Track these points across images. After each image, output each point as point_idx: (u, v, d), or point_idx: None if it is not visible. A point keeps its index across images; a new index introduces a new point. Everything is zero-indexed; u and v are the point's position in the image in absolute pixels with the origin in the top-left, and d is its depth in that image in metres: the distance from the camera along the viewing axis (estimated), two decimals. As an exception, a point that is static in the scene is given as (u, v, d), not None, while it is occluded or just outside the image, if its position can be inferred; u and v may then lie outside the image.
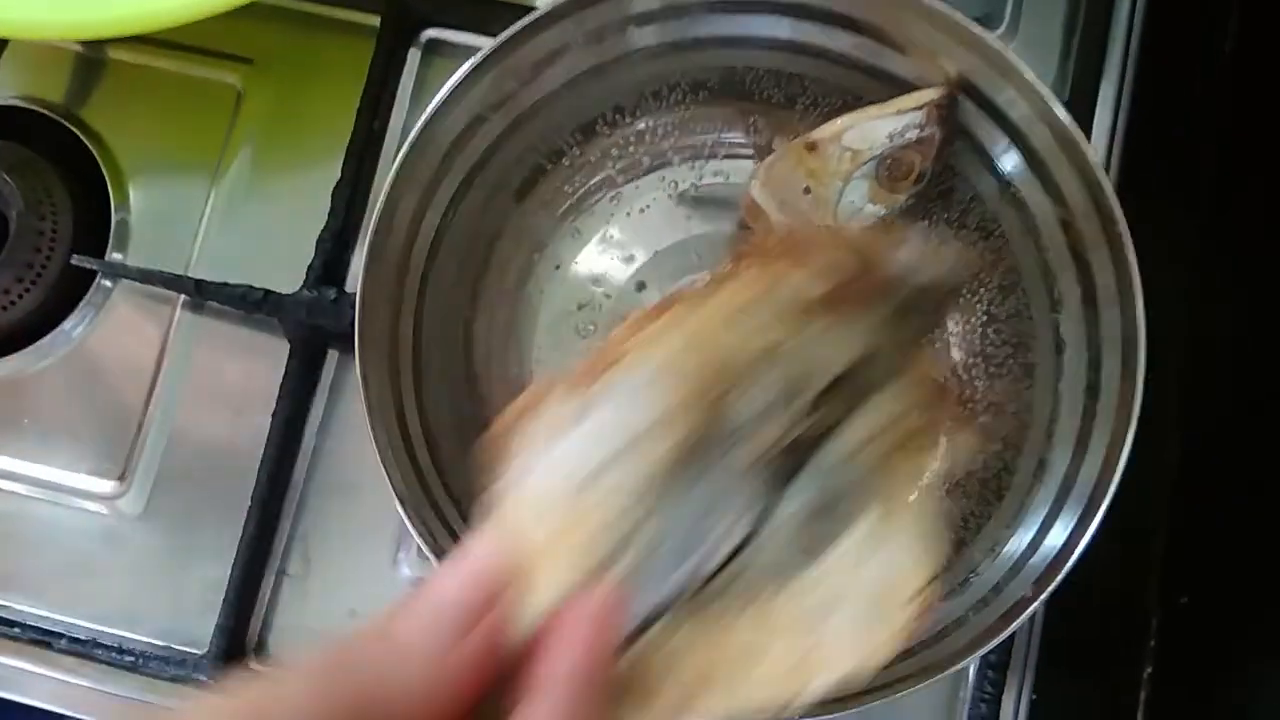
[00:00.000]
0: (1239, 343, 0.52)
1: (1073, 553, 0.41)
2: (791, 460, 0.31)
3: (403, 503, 0.42)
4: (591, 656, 0.27)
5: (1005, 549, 0.45)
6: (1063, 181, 0.45)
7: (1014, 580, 0.43)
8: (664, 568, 0.29)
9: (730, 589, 0.30)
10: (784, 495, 0.31)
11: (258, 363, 0.55)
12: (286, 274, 0.54)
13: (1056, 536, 0.43)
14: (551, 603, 0.27)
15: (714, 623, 0.29)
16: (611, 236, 0.52)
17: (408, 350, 0.47)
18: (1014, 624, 0.40)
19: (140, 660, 0.52)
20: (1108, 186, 0.43)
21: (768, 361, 0.31)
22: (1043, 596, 0.40)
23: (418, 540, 0.42)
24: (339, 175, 0.55)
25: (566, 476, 0.28)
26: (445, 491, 0.46)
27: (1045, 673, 0.50)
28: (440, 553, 0.42)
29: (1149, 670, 0.51)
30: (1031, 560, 0.43)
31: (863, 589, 0.30)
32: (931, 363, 0.38)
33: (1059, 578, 0.40)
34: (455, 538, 0.44)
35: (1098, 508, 0.41)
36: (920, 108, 0.46)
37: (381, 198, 0.45)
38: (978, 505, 0.47)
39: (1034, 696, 0.50)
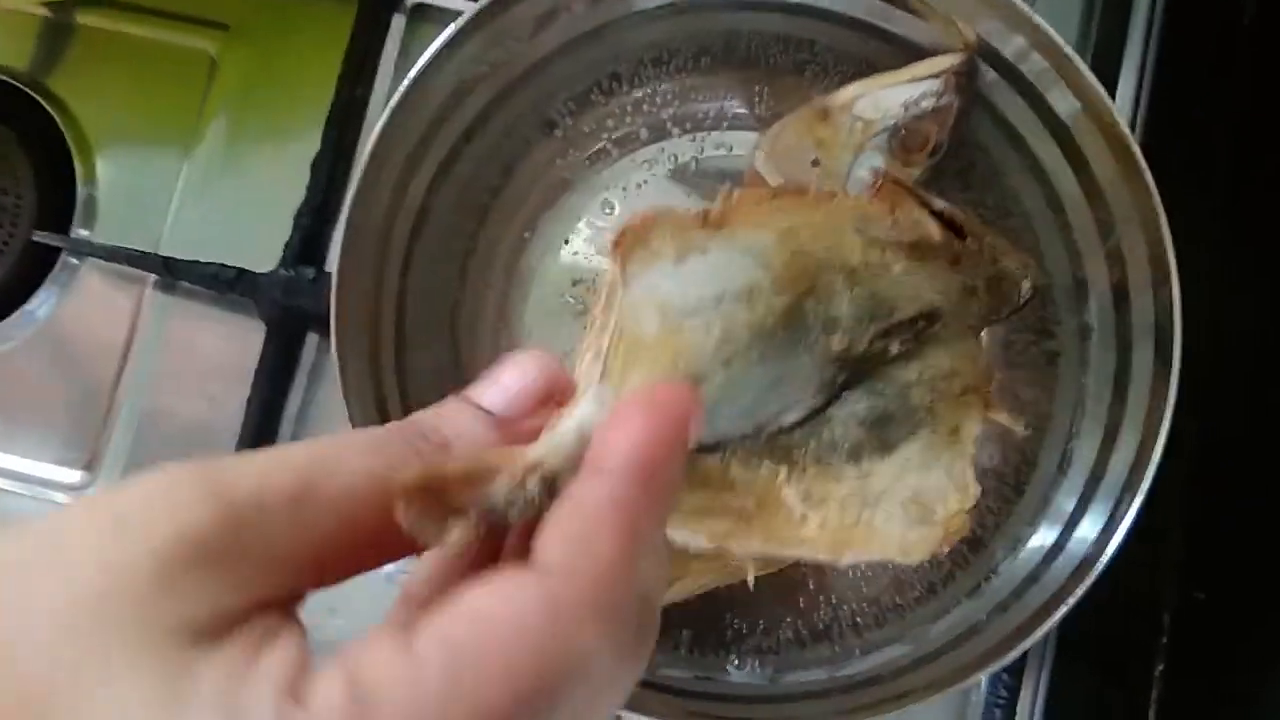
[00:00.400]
0: (1258, 335, 0.50)
1: (1102, 554, 0.38)
2: (854, 372, 0.33)
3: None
4: (662, 441, 0.23)
5: (1026, 547, 0.43)
6: (1090, 153, 0.43)
7: (1036, 584, 0.41)
8: (731, 413, 0.30)
9: (785, 454, 0.32)
10: (843, 398, 0.33)
11: (232, 345, 0.52)
12: (263, 252, 0.52)
13: (1083, 535, 0.41)
14: (631, 389, 0.27)
15: (767, 475, 0.31)
16: (608, 212, 0.50)
17: (389, 333, 0.45)
18: (1037, 633, 0.37)
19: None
20: (1140, 158, 0.40)
21: (853, 279, 0.33)
22: (1069, 603, 0.37)
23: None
24: (318, 147, 0.52)
25: (663, 300, 0.29)
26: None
27: (1059, 670, 0.48)
28: (422, 551, 0.39)
29: (1161, 667, 0.49)
30: (1056, 561, 0.41)
31: (904, 494, 0.34)
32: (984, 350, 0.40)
33: (1088, 582, 0.37)
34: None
35: (1129, 504, 0.39)
36: (937, 75, 0.43)
37: (360, 170, 0.42)
38: (996, 500, 0.45)
39: (1048, 698, 0.48)
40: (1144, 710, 0.49)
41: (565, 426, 0.24)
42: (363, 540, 0.22)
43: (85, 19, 0.57)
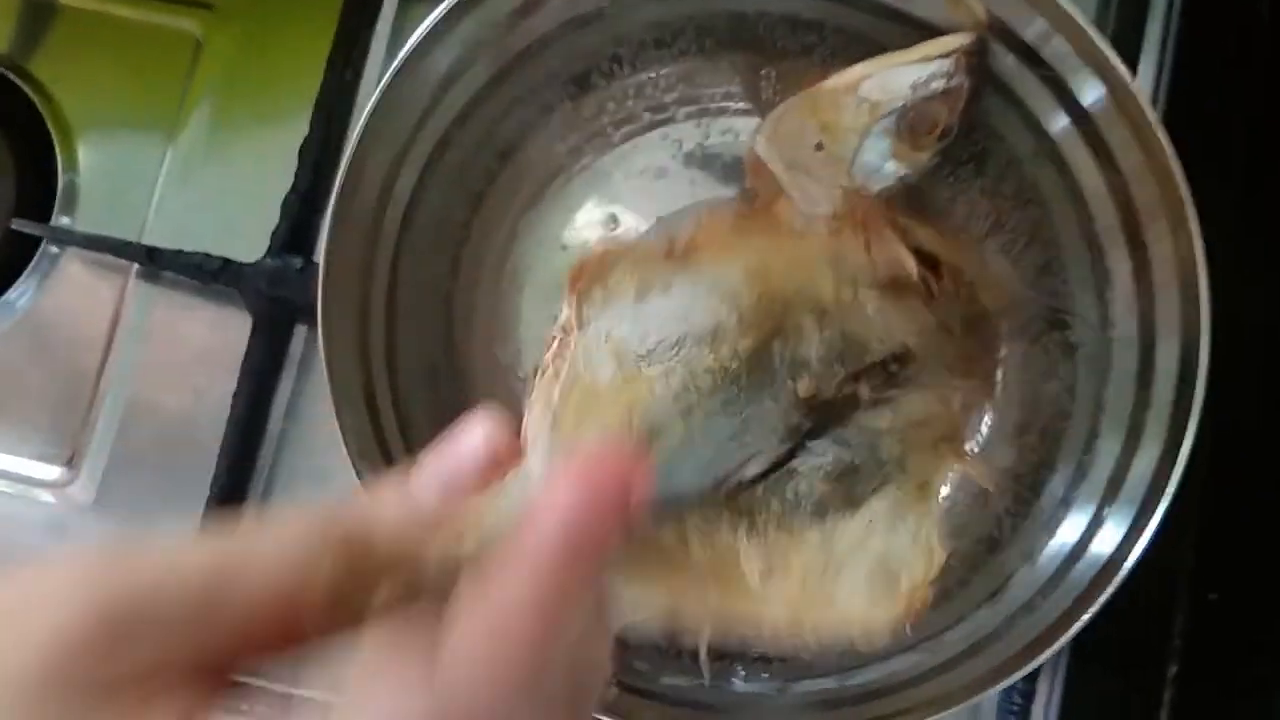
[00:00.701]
0: (1274, 330, 0.49)
1: (1125, 559, 0.37)
2: (821, 419, 0.32)
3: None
4: (594, 515, 0.21)
5: (1045, 552, 0.41)
6: (1113, 140, 0.41)
7: (1055, 590, 0.39)
8: (689, 468, 0.29)
9: (746, 512, 0.30)
10: (808, 449, 0.32)
11: (218, 337, 0.51)
12: (250, 240, 0.50)
13: (1104, 540, 0.39)
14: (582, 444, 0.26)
15: (726, 538, 0.30)
16: (608, 200, 0.48)
17: (379, 325, 0.44)
18: (1057, 644, 0.36)
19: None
20: (1169, 149, 0.38)
21: (824, 319, 0.32)
22: (1091, 611, 0.36)
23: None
24: (307, 132, 0.51)
25: (619, 345, 0.28)
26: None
27: (1073, 673, 0.47)
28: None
29: (1175, 669, 0.48)
30: (1076, 567, 0.39)
31: (867, 561, 0.31)
32: (972, 393, 0.39)
33: (1110, 590, 0.36)
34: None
35: (1153, 509, 0.37)
36: (947, 55, 0.41)
37: (348, 155, 0.40)
38: (1013, 503, 0.43)
39: (1063, 701, 0.47)
40: (1156, 712, 0.48)
41: (502, 497, 0.23)
42: (269, 637, 0.21)
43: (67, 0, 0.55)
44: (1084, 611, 0.36)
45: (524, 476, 0.23)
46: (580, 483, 0.21)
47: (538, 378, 0.27)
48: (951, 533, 0.42)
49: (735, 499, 0.30)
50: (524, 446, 0.25)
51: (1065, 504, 0.42)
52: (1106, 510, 0.40)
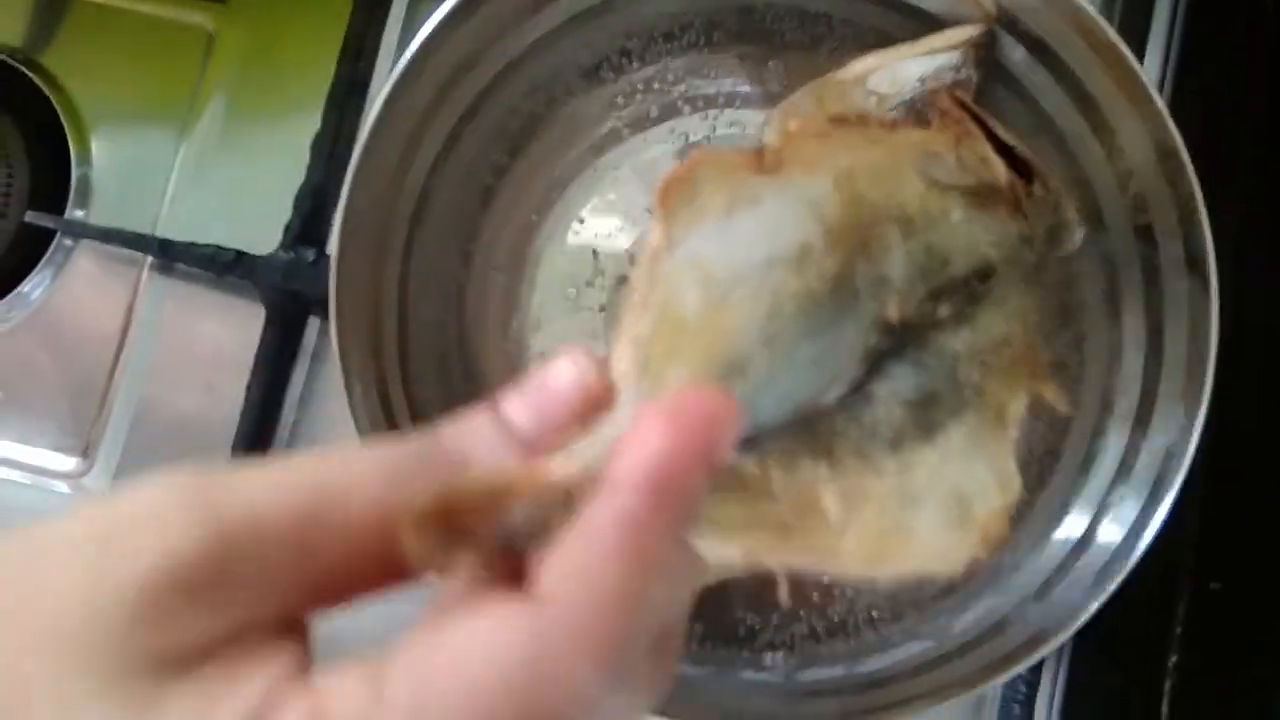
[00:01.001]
0: (1272, 324, 0.49)
1: (1134, 549, 0.37)
2: (900, 340, 0.31)
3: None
4: (684, 456, 0.20)
5: (1052, 540, 0.41)
6: (1122, 132, 0.41)
7: (1064, 578, 0.39)
8: (771, 399, 0.28)
9: (825, 446, 0.29)
10: (885, 372, 0.31)
11: (232, 330, 0.51)
12: (263, 233, 0.50)
13: (1112, 529, 0.39)
14: (671, 383, 0.25)
15: (807, 475, 0.29)
16: (617, 192, 0.48)
17: (392, 318, 0.44)
18: (1065, 633, 0.36)
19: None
20: (1176, 136, 0.38)
21: (909, 230, 0.30)
22: (1101, 599, 0.36)
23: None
24: (319, 125, 0.51)
25: (707, 268, 0.27)
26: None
27: (1075, 662, 0.47)
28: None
29: (1176, 659, 0.48)
30: (1084, 555, 0.39)
31: (944, 491, 0.30)
32: (1050, 314, 0.38)
33: (1119, 579, 0.36)
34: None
35: (1162, 498, 0.37)
36: (955, 47, 0.41)
37: (359, 147, 0.40)
38: (1020, 491, 0.43)
39: (1066, 691, 0.47)
40: (1158, 702, 0.48)
41: (592, 439, 0.22)
42: (366, 568, 0.21)
43: (77, -8, 0.55)
44: (1092, 601, 0.37)
45: (609, 426, 0.23)
46: (672, 419, 0.21)
47: (625, 313, 0.26)
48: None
49: (814, 428, 0.29)
50: (612, 385, 0.24)
51: (1072, 492, 0.42)
52: (1114, 499, 0.40)
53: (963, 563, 0.30)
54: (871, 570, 0.29)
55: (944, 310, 0.31)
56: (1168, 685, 0.48)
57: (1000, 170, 0.32)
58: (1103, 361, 0.43)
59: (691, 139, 0.48)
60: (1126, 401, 0.41)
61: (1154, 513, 0.37)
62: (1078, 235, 0.35)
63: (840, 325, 0.29)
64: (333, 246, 0.40)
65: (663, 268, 0.26)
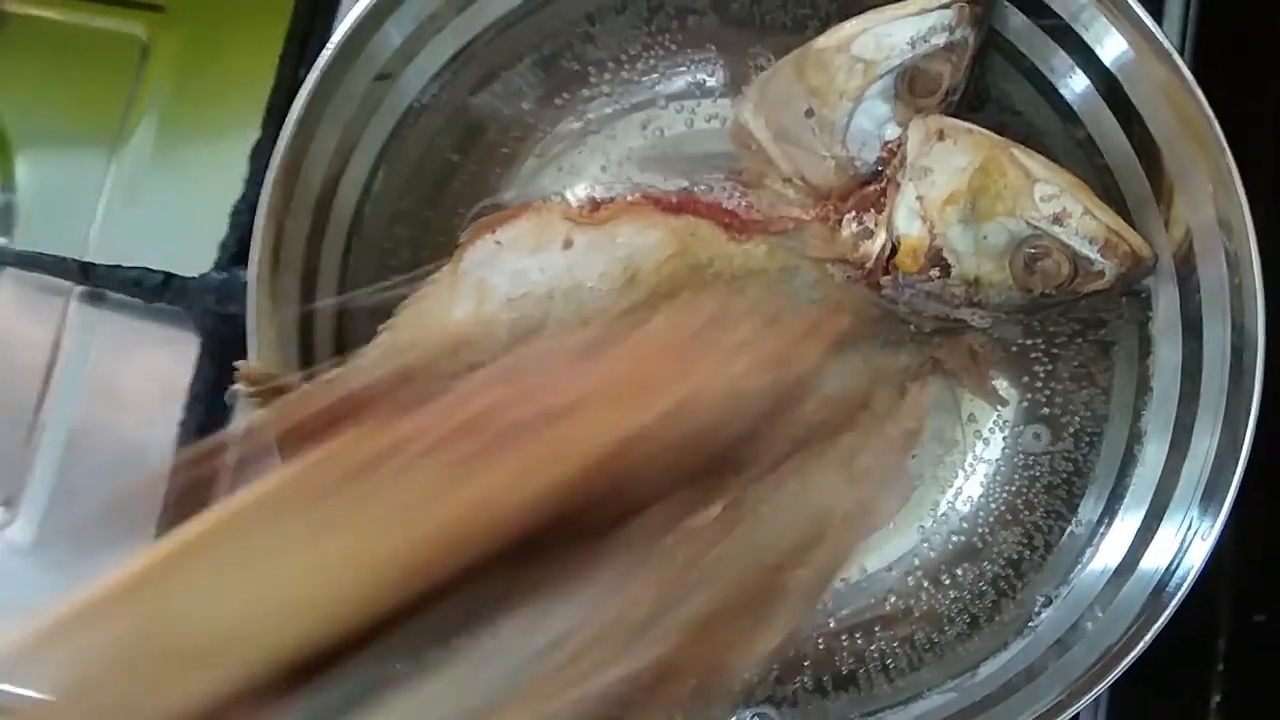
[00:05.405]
0: None
1: (1180, 581, 0.32)
2: None
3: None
4: None
5: (1083, 575, 0.36)
6: (1144, 108, 0.36)
7: (1097, 618, 0.34)
8: None
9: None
10: None
11: (167, 361, 0.47)
12: (200, 256, 0.47)
13: (1151, 560, 0.34)
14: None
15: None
16: (584, 194, 0.43)
17: (326, 341, 0.39)
18: (1102, 685, 0.31)
19: (32, 718, 0.43)
20: (1207, 109, 0.34)
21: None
22: (1144, 643, 0.31)
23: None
24: (259, 134, 0.47)
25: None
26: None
27: (1112, 703, 0.42)
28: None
29: (1218, 698, 0.44)
30: (1122, 591, 0.34)
31: None
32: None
33: (1162, 621, 0.31)
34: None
35: (1209, 521, 0.32)
36: (948, 4, 0.37)
37: (284, 138, 0.36)
38: (1044, 518, 0.38)
39: None
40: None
41: None
42: None
43: (6, 4, 0.51)
44: (1137, 643, 0.32)
45: None
46: None
47: None
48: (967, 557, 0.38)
49: None
50: None
51: (1105, 519, 0.37)
52: (1155, 524, 0.35)
53: None
54: None
55: None
56: (1211, 722, 0.45)
57: None
58: (1133, 374, 0.39)
59: (667, 133, 0.44)
60: (1163, 417, 0.37)
61: (1199, 538, 0.32)
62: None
63: None
64: (252, 262, 0.36)
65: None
